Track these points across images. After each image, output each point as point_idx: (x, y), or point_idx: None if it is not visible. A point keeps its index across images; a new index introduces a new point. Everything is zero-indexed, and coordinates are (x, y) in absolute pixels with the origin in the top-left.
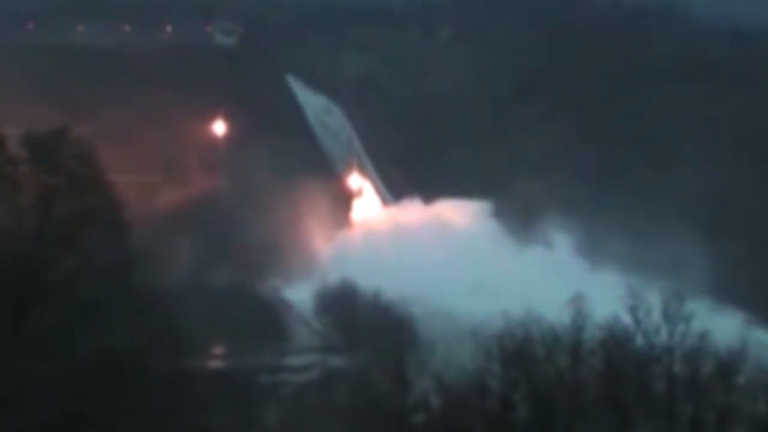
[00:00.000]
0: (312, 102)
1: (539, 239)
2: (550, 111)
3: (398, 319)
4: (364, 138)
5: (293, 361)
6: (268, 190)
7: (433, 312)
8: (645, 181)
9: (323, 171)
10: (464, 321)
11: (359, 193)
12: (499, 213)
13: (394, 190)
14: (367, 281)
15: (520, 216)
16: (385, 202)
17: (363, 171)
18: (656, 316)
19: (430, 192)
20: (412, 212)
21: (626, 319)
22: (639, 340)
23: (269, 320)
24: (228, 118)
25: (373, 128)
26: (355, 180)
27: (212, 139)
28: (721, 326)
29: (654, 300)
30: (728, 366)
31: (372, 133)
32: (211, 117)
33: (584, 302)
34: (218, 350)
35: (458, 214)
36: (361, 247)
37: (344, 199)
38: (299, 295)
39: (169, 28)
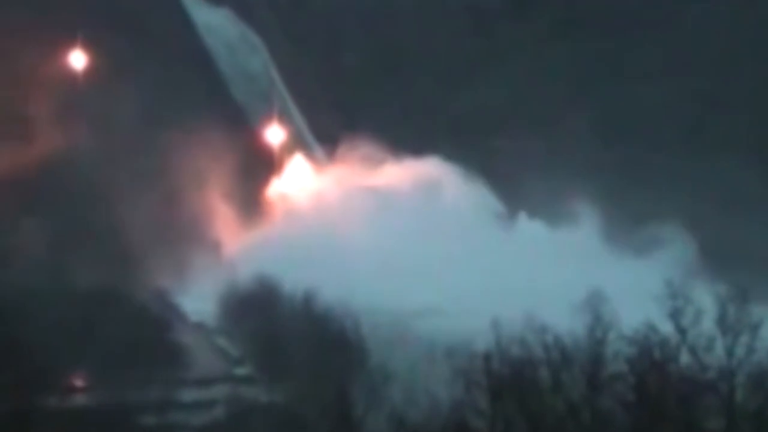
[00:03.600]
0: (217, 26)
1: (538, 215)
2: (553, 32)
3: (340, 333)
4: (290, 77)
5: (190, 394)
6: (149, 151)
7: (389, 321)
8: (690, 127)
9: (230, 122)
10: (436, 334)
11: (282, 152)
12: (481, 177)
13: (331, 147)
14: (294, 279)
15: (510, 182)
16: (318, 164)
17: (288, 121)
18: (709, 323)
19: (382, 149)
20: (357, 178)
21: (665, 327)
22: (684, 357)
23: (154, 337)
24: (91, 46)
25: (303, 62)
26: (275, 134)
27: (68, 77)
28: None
29: (705, 300)
30: None
31: (302, 70)
32: (66, 45)
33: (605, 303)
34: (80, 381)
35: (421, 180)
36: (285, 229)
37: (261, 161)
38: (197, 300)
39: None
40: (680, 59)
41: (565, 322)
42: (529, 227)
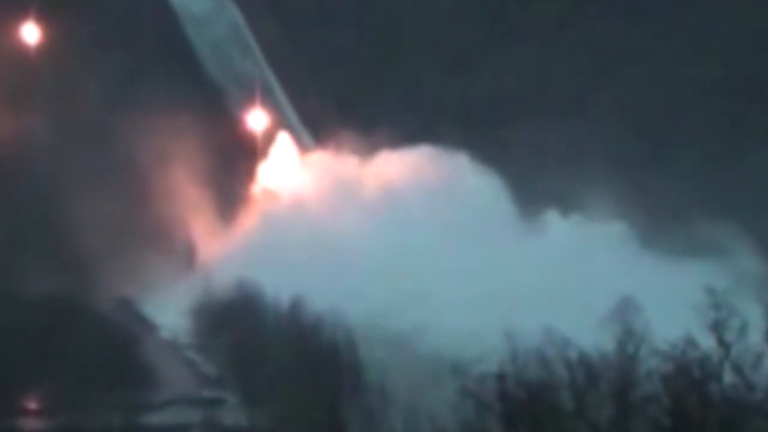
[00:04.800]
0: None
1: (557, 214)
2: (572, 9)
3: (331, 348)
4: (275, 57)
5: (159, 419)
6: (112, 140)
7: (387, 334)
8: (726, 114)
9: (206, 106)
10: (441, 350)
11: (265, 141)
12: (492, 170)
13: (321, 136)
14: (278, 286)
15: (525, 175)
16: (305, 150)
17: (272, 106)
18: (756, 337)
19: (379, 139)
20: (351, 170)
21: (706, 341)
22: (727, 376)
23: (118, 354)
24: (46, 19)
25: (291, 40)
26: (258, 120)
27: (18, 53)
28: None
29: (752, 311)
30: None
31: (289, 49)
32: (16, 17)
33: (637, 314)
34: (33, 403)
35: (424, 173)
36: (268, 229)
37: (241, 151)
38: (167, 312)
39: None
40: (713, 41)
41: (591, 335)
42: (547, 227)
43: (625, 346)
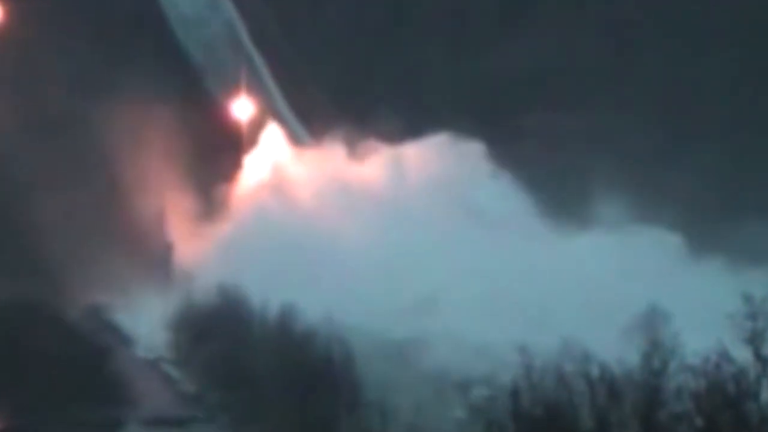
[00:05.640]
0: None
1: (575, 212)
2: None
3: (325, 361)
4: (263, 38)
5: None
6: (82, 130)
7: (388, 346)
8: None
9: (186, 93)
10: (447, 363)
11: (251, 131)
12: (503, 165)
13: (314, 126)
14: (266, 292)
15: (540, 169)
16: (298, 143)
17: (259, 93)
18: None
19: (377, 128)
20: (346, 165)
21: (742, 355)
22: (765, 393)
23: (89, 367)
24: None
25: (280, 21)
26: (243, 108)
27: None
28: None
29: None
30: None
31: (279, 30)
32: None
33: (665, 324)
34: None
35: (429, 166)
36: (254, 229)
37: (224, 142)
38: (142, 320)
39: None
40: (747, 18)
41: (614, 348)
42: (565, 227)
43: (651, 360)
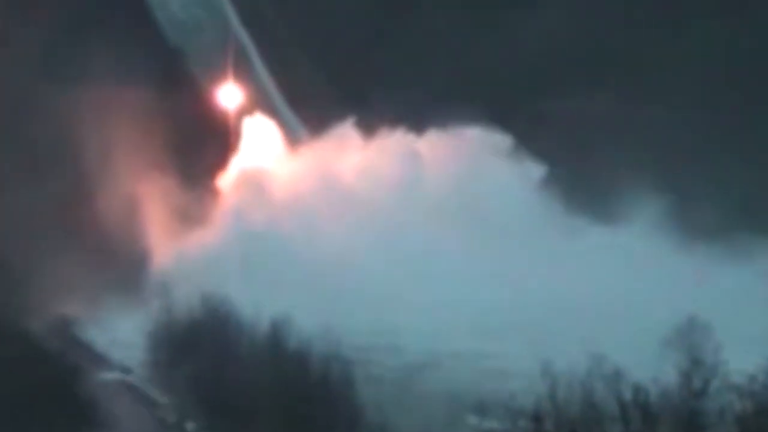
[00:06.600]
0: None
1: (605, 209)
2: None
3: (322, 377)
4: (254, 18)
5: None
6: (47, 120)
7: (391, 362)
8: None
9: (165, 78)
10: (458, 383)
11: (238, 121)
12: (522, 154)
13: (311, 118)
14: (256, 302)
15: (564, 159)
16: (292, 138)
17: (248, 79)
18: None
19: (381, 118)
20: (346, 158)
21: None
22: None
23: (56, 387)
24: None
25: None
26: (230, 95)
27: None
28: None
29: None
30: None
31: (269, 3)
32: None
33: (706, 338)
34: None
35: (437, 160)
36: (241, 232)
37: (207, 134)
38: (117, 334)
39: None
40: None
41: (648, 364)
42: (594, 228)
43: (690, 378)
